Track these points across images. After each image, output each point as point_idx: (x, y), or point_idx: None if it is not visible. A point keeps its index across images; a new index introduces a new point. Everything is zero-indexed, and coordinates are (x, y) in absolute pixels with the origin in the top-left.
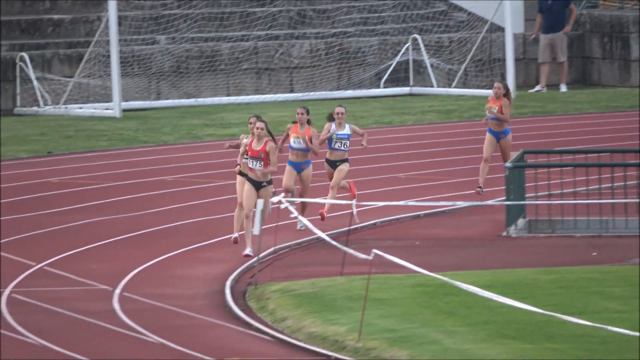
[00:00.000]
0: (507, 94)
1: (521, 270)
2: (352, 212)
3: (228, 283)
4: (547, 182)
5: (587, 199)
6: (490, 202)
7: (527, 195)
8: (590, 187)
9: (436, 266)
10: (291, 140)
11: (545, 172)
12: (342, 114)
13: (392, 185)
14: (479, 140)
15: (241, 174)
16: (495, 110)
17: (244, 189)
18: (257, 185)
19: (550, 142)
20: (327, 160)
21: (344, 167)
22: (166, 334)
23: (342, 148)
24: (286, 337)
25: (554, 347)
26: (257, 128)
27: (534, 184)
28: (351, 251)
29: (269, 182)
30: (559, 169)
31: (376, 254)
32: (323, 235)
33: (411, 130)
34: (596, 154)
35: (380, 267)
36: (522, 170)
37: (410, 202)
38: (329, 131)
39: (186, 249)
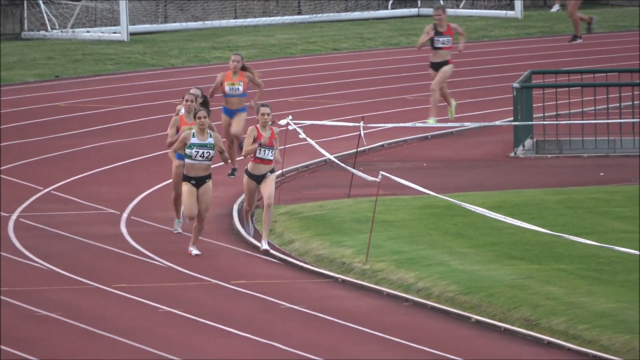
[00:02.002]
0: (245, 67)
1: (529, 191)
2: (359, 134)
3: (235, 206)
4: (554, 103)
5: (595, 119)
6: (497, 122)
7: (534, 115)
8: (597, 107)
9: (444, 187)
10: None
11: (553, 92)
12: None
13: (399, 106)
14: (486, 60)
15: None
16: (240, 87)
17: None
18: (260, 179)
19: (558, 62)
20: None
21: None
22: (174, 258)
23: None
24: (294, 259)
25: (561, 268)
26: (263, 114)
27: (541, 104)
28: (359, 173)
29: (272, 171)
30: (567, 89)
31: (384, 176)
32: (331, 157)
33: (418, 51)
34: (604, 74)
35: (388, 189)
36: (529, 90)
37: (418, 124)
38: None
39: None
